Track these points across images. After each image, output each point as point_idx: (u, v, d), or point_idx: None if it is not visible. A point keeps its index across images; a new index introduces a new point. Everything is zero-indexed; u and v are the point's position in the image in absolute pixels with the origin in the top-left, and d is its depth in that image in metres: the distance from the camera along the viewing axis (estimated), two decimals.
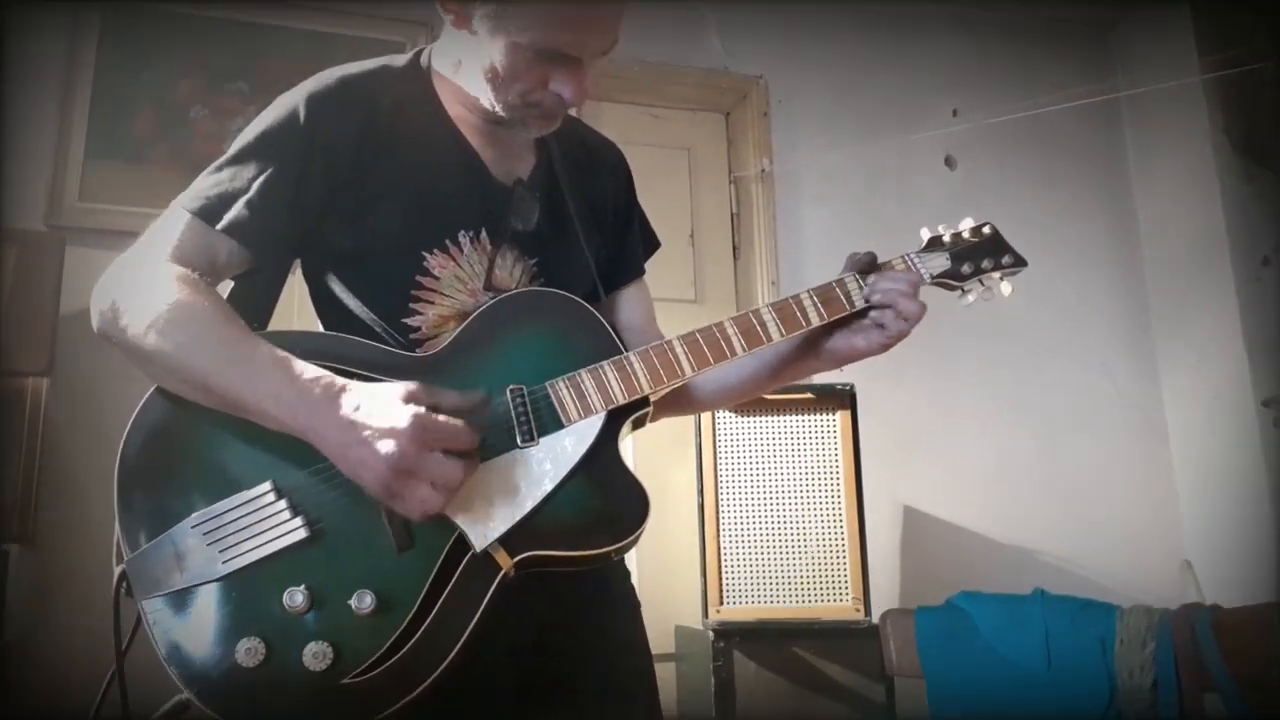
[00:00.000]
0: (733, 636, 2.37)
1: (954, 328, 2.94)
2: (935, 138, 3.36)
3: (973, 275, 1.30)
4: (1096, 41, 3.66)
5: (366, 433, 1.00)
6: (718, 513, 2.47)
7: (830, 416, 2.51)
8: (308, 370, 1.04)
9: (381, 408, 1.01)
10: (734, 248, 3.13)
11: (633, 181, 1.45)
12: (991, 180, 3.42)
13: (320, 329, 1.28)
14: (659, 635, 2.60)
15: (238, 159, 1.17)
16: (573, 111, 1.32)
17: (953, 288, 1.30)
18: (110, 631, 1.06)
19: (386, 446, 0.99)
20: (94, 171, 2.50)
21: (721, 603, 2.42)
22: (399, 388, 1.03)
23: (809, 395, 2.52)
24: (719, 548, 2.45)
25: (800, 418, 2.51)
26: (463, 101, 1.26)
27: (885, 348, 1.24)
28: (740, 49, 3.23)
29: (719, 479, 2.48)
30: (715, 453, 2.49)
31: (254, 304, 1.22)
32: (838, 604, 2.41)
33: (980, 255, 1.30)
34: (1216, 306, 3.23)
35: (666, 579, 2.67)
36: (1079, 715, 1.71)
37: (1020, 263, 1.31)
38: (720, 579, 2.43)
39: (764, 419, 2.51)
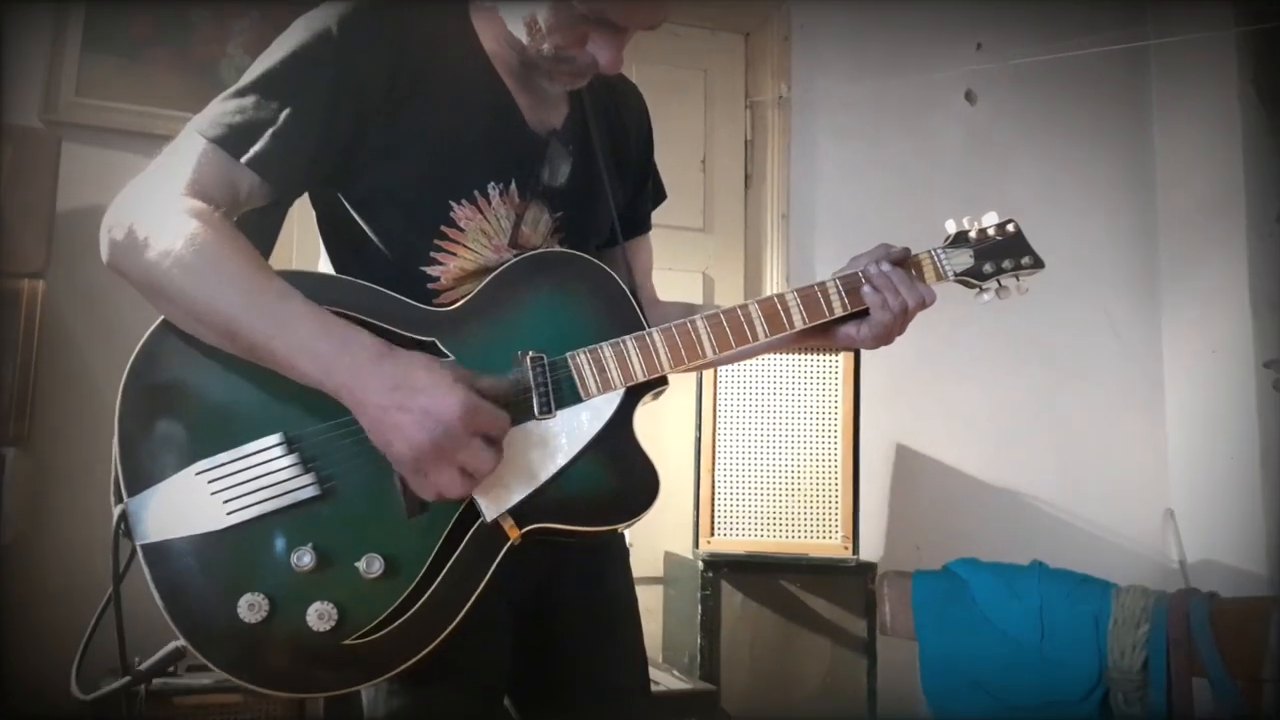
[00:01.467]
0: (721, 567, 2.41)
1: None
2: (955, 70, 3.28)
3: (993, 275, 1.31)
4: None
5: (412, 401, 0.97)
6: (714, 446, 2.48)
7: (834, 357, 2.50)
8: (345, 325, 1.01)
9: (431, 381, 0.99)
10: (746, 176, 3.07)
11: (652, 133, 1.42)
12: (1011, 118, 3.34)
13: (328, 265, 1.26)
14: (648, 560, 2.65)
15: (262, 85, 1.10)
16: None
17: (972, 286, 1.32)
18: (105, 550, 1.04)
19: (432, 421, 0.97)
20: (91, 68, 2.42)
21: (713, 534, 2.45)
22: (446, 362, 1.02)
23: None
24: (713, 480, 2.46)
25: (803, 357, 2.50)
26: (499, 37, 1.20)
27: (877, 341, 1.26)
28: None
29: (718, 412, 2.49)
30: (716, 386, 2.49)
31: (258, 234, 1.17)
32: (827, 541, 2.44)
33: (1002, 254, 1.32)
34: (1225, 261, 3.20)
35: (659, 505, 2.69)
36: (1067, 690, 1.75)
37: (1038, 264, 1.32)
38: (713, 510, 2.46)
39: (767, 356, 2.50)
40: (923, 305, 1.26)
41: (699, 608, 2.38)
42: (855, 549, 2.43)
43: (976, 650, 1.90)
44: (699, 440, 2.48)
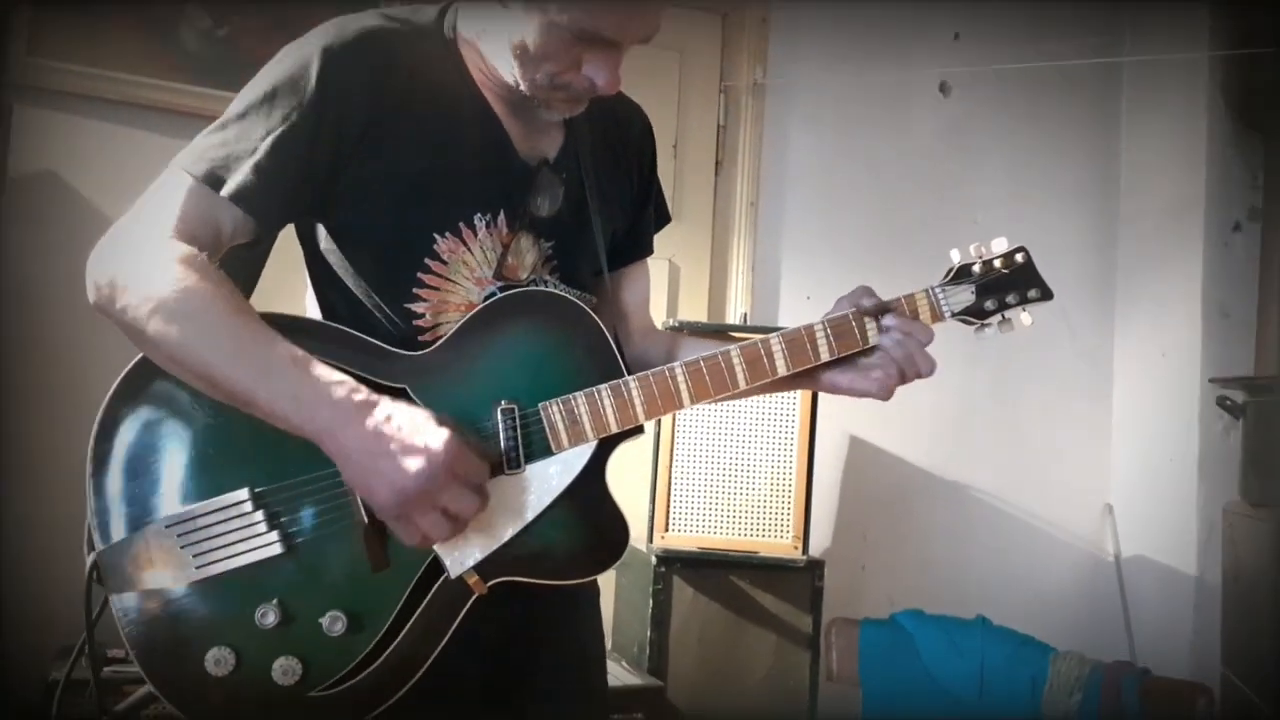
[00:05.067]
0: (674, 563, 2.45)
1: (918, 261, 2.92)
2: (931, 63, 3.26)
3: (996, 311, 1.25)
4: None
5: (395, 446, 0.98)
6: (673, 442, 2.50)
7: None
8: (328, 372, 1.01)
9: (415, 424, 0.99)
10: (717, 162, 3.04)
11: (656, 154, 1.38)
12: (984, 111, 3.34)
13: (314, 301, 1.23)
14: None
15: (244, 116, 1.09)
16: None
17: (972, 323, 1.26)
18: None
19: (417, 464, 0.98)
20: (43, 24, 2.30)
21: (667, 529, 2.49)
22: (425, 407, 1.02)
23: None
24: (670, 477, 2.49)
25: None
26: (485, 72, 1.18)
27: (884, 394, 1.21)
28: None
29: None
30: None
31: (242, 270, 1.17)
32: (778, 540, 2.49)
33: (1007, 288, 1.25)
34: (1181, 267, 3.26)
35: (615, 494, 2.72)
36: None
37: (1046, 296, 1.25)
38: (668, 506, 2.49)
39: None
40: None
41: (650, 601, 2.43)
42: (805, 549, 2.48)
43: (917, 703, 1.96)
44: (658, 436, 2.49)
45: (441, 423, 1.01)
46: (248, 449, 1.06)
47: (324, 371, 1.01)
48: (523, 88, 1.14)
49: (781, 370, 1.19)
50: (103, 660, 1.46)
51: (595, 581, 1.37)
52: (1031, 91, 3.37)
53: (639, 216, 1.37)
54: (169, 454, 1.06)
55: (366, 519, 1.05)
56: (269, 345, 1.01)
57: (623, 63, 1.14)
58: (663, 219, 1.42)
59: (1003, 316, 1.25)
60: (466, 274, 1.17)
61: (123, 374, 1.07)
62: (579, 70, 1.12)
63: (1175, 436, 3.22)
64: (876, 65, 3.16)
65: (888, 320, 1.21)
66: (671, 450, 2.50)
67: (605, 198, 1.28)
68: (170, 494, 1.05)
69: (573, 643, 1.31)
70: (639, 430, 1.16)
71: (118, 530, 1.04)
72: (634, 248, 1.37)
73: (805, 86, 3.09)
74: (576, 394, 1.12)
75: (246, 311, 1.03)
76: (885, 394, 1.21)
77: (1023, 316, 1.26)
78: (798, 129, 3.08)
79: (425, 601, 1.07)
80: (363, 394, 1.01)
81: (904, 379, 1.21)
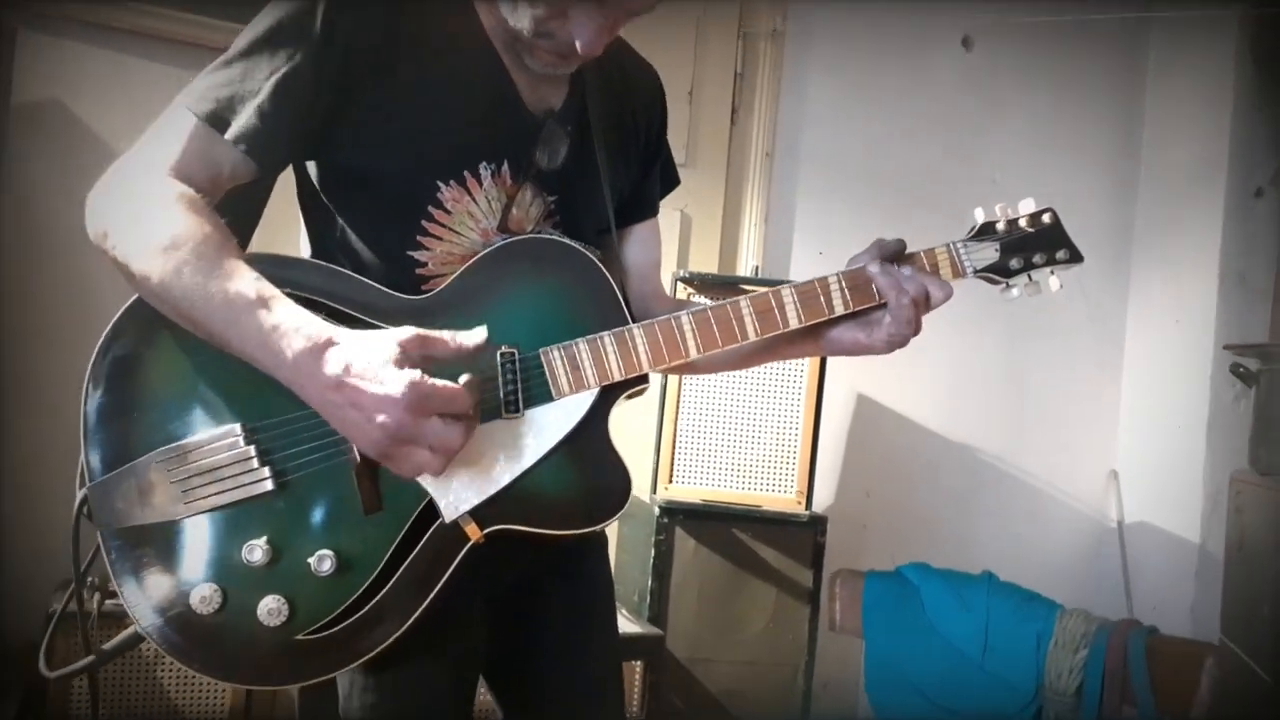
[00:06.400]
0: (677, 515, 2.44)
1: (934, 217, 2.88)
2: (955, 15, 3.18)
3: (1021, 271, 1.21)
4: None
5: (358, 398, 0.94)
6: (680, 394, 2.48)
7: None
8: (289, 316, 0.97)
9: (374, 371, 0.94)
10: (733, 110, 2.99)
11: (666, 115, 1.36)
12: (1006, 65, 3.27)
13: (308, 242, 1.21)
14: None
15: (248, 54, 1.06)
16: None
17: (996, 282, 1.22)
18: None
19: (382, 417, 0.93)
20: None
21: (671, 480, 2.48)
22: (390, 342, 0.95)
23: None
24: (675, 429, 2.48)
25: None
26: (493, 15, 1.14)
27: (889, 347, 1.18)
28: None
29: None
30: None
31: (244, 207, 1.14)
32: (782, 495, 2.48)
33: (1033, 248, 1.21)
34: (1200, 232, 3.20)
35: (620, 446, 2.71)
36: (1003, 704, 1.82)
37: (1076, 258, 1.22)
38: (673, 458, 2.48)
39: None
40: (926, 300, 1.16)
41: (652, 551, 2.42)
42: (808, 505, 2.47)
43: (920, 657, 1.96)
44: (664, 386, 2.48)
45: (404, 359, 0.94)
46: (242, 385, 1.03)
47: (285, 317, 0.96)
48: (513, 29, 1.11)
49: (793, 322, 1.16)
50: (107, 594, 1.46)
51: (603, 531, 1.36)
52: (1056, 47, 3.29)
53: (645, 177, 1.35)
54: (163, 389, 1.05)
55: (359, 459, 1.02)
56: (236, 288, 0.97)
57: (614, 32, 1.10)
58: (670, 182, 1.40)
59: (1029, 278, 1.22)
60: (471, 225, 1.15)
61: (122, 309, 1.06)
62: (563, 20, 1.08)
63: (1185, 403, 3.19)
64: (899, 15, 3.09)
65: (905, 271, 1.17)
66: (678, 402, 2.48)
67: (612, 154, 1.25)
68: (163, 429, 1.03)
69: (579, 584, 1.30)
70: (643, 382, 1.13)
71: (110, 465, 1.02)
72: (638, 208, 1.35)
73: (825, 35, 3.02)
74: (579, 340, 1.10)
75: (223, 252, 0.99)
76: (883, 343, 1.19)
77: (1051, 280, 1.22)
78: (816, 78, 3.02)
79: (419, 546, 1.05)
80: (320, 338, 0.95)
81: (916, 331, 1.18)
